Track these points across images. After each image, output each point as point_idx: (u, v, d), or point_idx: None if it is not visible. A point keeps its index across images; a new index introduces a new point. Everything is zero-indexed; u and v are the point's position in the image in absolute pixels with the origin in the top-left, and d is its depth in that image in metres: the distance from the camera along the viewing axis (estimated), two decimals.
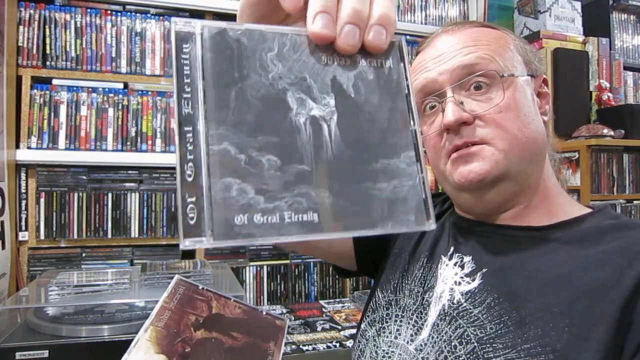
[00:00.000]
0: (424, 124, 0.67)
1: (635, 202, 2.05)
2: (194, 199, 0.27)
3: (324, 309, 1.58)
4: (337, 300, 1.72)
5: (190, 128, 0.28)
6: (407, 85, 0.33)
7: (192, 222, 0.27)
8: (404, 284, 0.70)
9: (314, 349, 1.21)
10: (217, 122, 0.28)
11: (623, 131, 1.99)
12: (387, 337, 0.66)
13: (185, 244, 0.26)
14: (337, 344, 1.25)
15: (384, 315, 0.69)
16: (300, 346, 1.22)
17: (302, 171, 0.29)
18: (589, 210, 0.63)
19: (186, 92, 0.28)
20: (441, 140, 0.63)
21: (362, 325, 0.73)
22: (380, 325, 0.69)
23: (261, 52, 0.31)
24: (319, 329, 1.37)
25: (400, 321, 0.66)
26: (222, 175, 0.28)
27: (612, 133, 1.95)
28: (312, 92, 0.31)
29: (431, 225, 0.31)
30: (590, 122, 2.09)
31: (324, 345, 1.23)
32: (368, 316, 0.73)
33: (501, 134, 0.59)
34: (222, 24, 0.30)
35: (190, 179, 0.27)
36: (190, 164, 0.27)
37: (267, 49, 0.31)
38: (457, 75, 0.61)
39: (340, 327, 1.38)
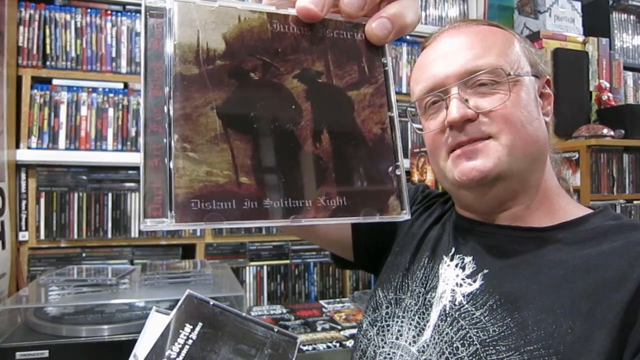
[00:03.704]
0: (425, 120, 0.67)
1: (635, 202, 2.05)
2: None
3: (324, 309, 1.58)
4: (337, 300, 1.72)
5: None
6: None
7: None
8: (405, 284, 0.69)
9: (314, 349, 1.21)
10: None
11: (623, 131, 1.99)
12: (389, 337, 0.66)
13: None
14: (337, 344, 1.25)
15: (385, 315, 0.69)
16: (300, 346, 1.22)
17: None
18: (590, 211, 0.63)
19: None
20: (442, 136, 0.63)
21: (364, 325, 0.72)
22: (380, 325, 0.68)
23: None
24: (319, 329, 1.37)
25: (402, 321, 0.66)
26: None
27: (612, 133, 1.95)
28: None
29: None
30: (590, 122, 2.09)
31: (324, 345, 1.23)
32: (369, 315, 0.72)
33: (506, 128, 0.59)
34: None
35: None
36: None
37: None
38: (462, 77, 0.61)
39: (340, 327, 1.38)
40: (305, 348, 1.21)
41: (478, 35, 0.63)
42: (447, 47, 0.64)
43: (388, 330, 0.67)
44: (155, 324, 0.65)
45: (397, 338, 0.65)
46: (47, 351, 0.85)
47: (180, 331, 0.62)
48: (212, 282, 1.11)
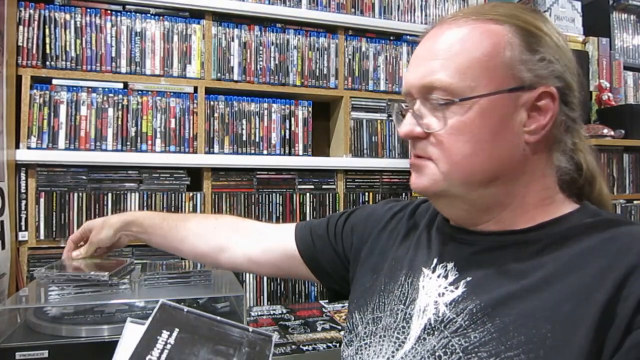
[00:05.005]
0: None
1: (635, 202, 2.05)
2: None
3: (324, 309, 1.58)
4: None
5: None
6: None
7: None
8: (382, 303, 0.70)
9: (314, 349, 1.21)
10: None
11: (623, 131, 1.99)
12: (366, 356, 0.66)
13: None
14: (337, 344, 1.25)
15: (363, 335, 0.69)
16: (300, 346, 1.22)
17: None
18: (571, 209, 0.62)
19: None
20: None
21: (342, 347, 0.73)
22: (359, 344, 0.69)
23: None
24: (319, 329, 1.37)
25: (382, 339, 0.66)
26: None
27: (612, 133, 1.95)
28: None
29: None
30: (591, 122, 2.09)
31: (324, 345, 1.23)
32: (345, 336, 0.73)
33: (445, 156, 0.60)
34: None
35: None
36: None
37: None
38: (421, 91, 0.61)
39: (340, 327, 1.38)
40: (305, 348, 1.21)
41: (451, 40, 0.60)
42: (420, 50, 0.63)
43: (366, 349, 0.67)
44: (131, 334, 0.66)
45: (377, 356, 0.65)
46: (47, 351, 0.85)
47: (158, 337, 0.63)
48: (212, 282, 1.10)
